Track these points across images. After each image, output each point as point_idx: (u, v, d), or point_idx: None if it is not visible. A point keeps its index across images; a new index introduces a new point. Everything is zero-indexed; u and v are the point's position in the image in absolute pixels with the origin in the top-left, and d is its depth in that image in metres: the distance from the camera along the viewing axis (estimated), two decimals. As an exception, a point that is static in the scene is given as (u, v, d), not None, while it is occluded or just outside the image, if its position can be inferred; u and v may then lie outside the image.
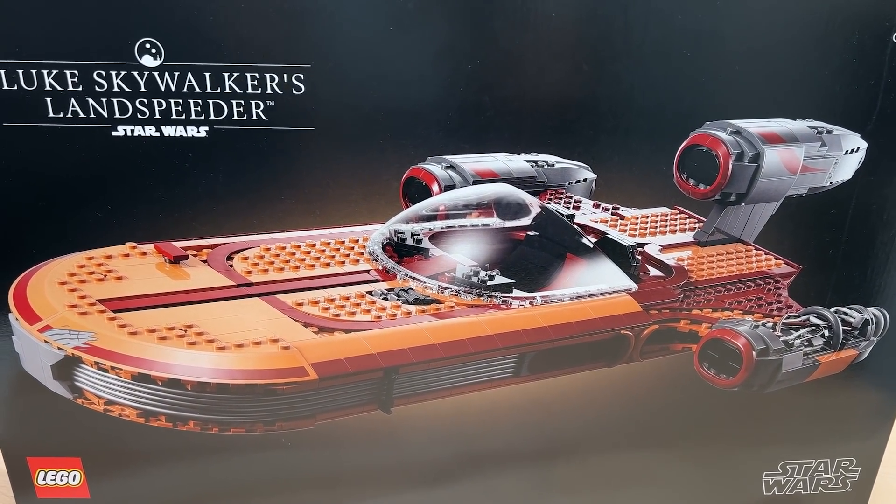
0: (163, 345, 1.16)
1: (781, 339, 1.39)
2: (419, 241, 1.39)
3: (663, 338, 1.41)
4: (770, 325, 1.40)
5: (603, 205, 1.56)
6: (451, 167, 1.43)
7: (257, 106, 1.33)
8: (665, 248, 1.52)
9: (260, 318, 1.22)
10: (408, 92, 1.32)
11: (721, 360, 1.38)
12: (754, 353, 1.36)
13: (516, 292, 1.34)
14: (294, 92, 1.32)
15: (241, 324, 1.21)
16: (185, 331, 1.18)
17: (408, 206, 1.42)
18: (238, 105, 1.33)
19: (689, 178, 1.43)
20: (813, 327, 1.39)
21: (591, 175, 1.40)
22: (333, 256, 1.40)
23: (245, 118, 1.33)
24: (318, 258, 1.38)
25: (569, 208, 1.52)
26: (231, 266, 1.34)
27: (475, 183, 1.45)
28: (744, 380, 1.38)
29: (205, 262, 1.34)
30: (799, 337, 1.40)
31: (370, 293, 1.31)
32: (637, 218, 1.57)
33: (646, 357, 1.42)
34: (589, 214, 1.53)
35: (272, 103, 1.33)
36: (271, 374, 1.14)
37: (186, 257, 1.34)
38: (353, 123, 1.35)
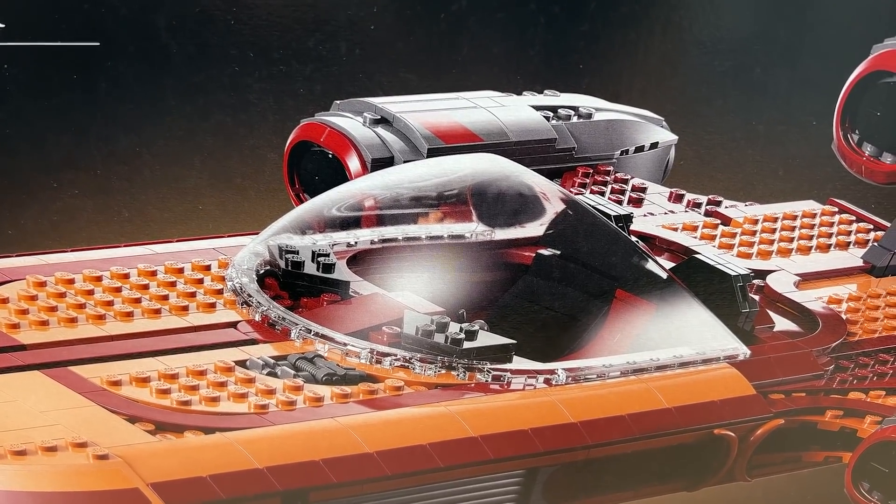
0: None
1: None
2: (329, 268, 1.18)
3: (791, 441, 1.16)
4: None
5: (691, 196, 1.37)
6: (383, 120, 1.25)
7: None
8: (806, 278, 1.30)
9: (47, 405, 0.97)
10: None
11: (894, 479, 1.18)
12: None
13: (518, 362, 1.12)
14: (53, -33, 1.29)
15: (16, 415, 0.95)
16: None
17: (302, 200, 1.27)
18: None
19: (863, 143, 1.26)
20: None
21: (667, 136, 1.33)
22: (166, 297, 1.16)
23: (-39, 22, 1.30)
24: (139, 300, 1.14)
25: (622, 203, 1.34)
26: None
27: (432, 153, 1.26)
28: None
29: None
30: None
31: (244, 364, 1.06)
32: (755, 222, 1.34)
33: (757, 474, 1.15)
34: (662, 214, 1.35)
35: (12, -7, 1.29)
36: (83, 501, 0.91)
37: None
38: (176, 30, 1.26)
